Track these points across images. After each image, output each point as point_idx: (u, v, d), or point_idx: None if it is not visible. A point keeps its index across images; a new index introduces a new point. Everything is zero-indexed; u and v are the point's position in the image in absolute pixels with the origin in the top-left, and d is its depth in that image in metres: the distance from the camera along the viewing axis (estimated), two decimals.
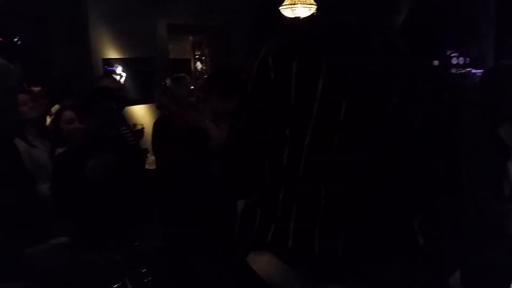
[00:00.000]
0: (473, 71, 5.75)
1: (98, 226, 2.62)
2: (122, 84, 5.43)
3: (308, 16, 5.50)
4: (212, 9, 6.37)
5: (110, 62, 5.59)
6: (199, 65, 9.01)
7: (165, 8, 5.98)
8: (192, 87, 5.26)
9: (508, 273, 2.60)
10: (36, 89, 3.74)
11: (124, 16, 5.56)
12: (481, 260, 2.59)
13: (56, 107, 3.72)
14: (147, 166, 4.03)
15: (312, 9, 5.60)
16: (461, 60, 5.97)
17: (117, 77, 5.53)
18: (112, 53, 5.62)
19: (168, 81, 4.42)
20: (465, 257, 2.77)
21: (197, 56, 8.98)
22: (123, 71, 5.71)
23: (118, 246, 2.71)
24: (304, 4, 5.58)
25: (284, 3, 5.58)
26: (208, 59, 8.48)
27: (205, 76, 6.25)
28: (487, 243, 2.54)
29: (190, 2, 6.20)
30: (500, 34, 6.60)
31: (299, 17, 5.51)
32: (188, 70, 8.34)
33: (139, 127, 4.12)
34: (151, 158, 4.29)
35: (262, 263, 1.18)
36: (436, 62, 6.00)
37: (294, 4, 5.58)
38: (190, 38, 8.66)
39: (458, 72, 5.84)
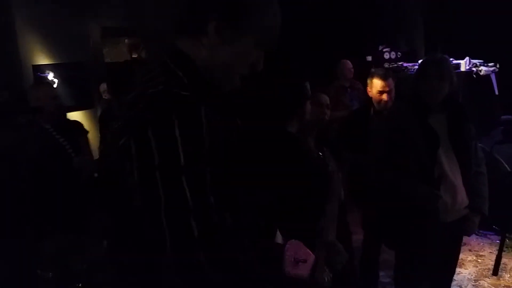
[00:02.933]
0: (405, 64, 5.95)
1: None
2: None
3: None
4: (145, 12, 6.28)
5: (41, 69, 5.40)
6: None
7: (98, 12, 5.84)
8: None
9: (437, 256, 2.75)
10: None
11: (54, 21, 5.38)
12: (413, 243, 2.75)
13: None
14: None
15: None
16: (393, 55, 6.17)
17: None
18: (43, 59, 5.43)
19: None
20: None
21: (134, 58, 8.82)
22: (54, 77, 5.53)
23: None
24: None
25: None
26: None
27: None
28: (414, 226, 2.69)
29: (123, 5, 6.09)
30: (428, 29, 6.89)
31: None
32: (126, 73, 8.18)
33: None
34: None
35: None
36: (369, 58, 6.18)
37: None
38: (126, 40, 8.51)
39: (391, 66, 6.03)
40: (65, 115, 4.50)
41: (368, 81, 3.74)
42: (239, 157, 1.28)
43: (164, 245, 1.08)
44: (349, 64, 5.56)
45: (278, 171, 1.88)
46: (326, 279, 1.91)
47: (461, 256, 4.41)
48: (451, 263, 2.93)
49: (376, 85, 3.67)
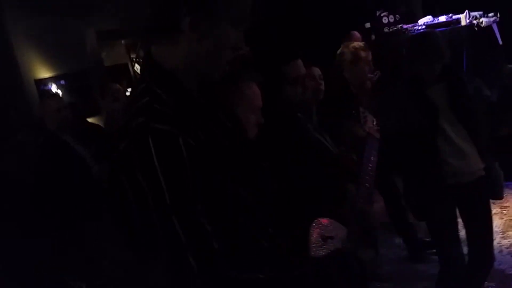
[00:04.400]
0: (405, 26, 5.88)
1: None
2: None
3: None
4: (139, 11, 6.23)
5: (44, 82, 5.41)
6: (138, 67, 8.84)
7: (91, 17, 5.81)
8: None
9: None
10: None
11: (49, 32, 5.36)
12: None
13: None
14: None
15: None
16: (391, 18, 6.08)
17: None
18: (44, 73, 5.43)
19: None
20: None
21: (134, 59, 8.81)
22: (58, 88, 5.54)
23: None
24: None
25: None
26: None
27: None
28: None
29: (116, 6, 6.06)
30: None
31: None
32: (127, 74, 8.18)
33: None
34: None
35: None
36: (368, 25, 6.10)
37: None
38: (122, 42, 8.49)
39: (391, 30, 5.96)
40: (85, 121, 4.52)
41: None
42: (237, 157, 1.28)
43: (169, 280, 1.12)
44: (357, 34, 5.51)
45: (279, 164, 1.86)
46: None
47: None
48: (485, 225, 2.92)
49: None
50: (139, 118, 1.13)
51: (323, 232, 1.37)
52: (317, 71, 3.09)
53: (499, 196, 2.96)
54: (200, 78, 1.27)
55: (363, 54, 3.54)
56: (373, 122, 2.32)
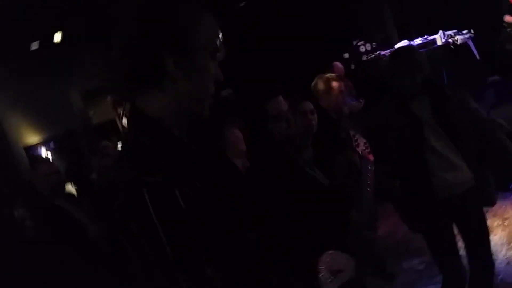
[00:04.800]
0: (382, 53, 5.99)
1: None
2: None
3: None
4: (122, 65, 6.30)
5: (33, 148, 5.42)
6: (125, 121, 8.88)
7: (74, 77, 5.88)
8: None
9: None
10: None
11: (34, 98, 5.41)
12: None
13: None
14: None
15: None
16: (368, 47, 6.21)
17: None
18: (32, 138, 5.45)
19: None
20: None
21: (121, 113, 8.85)
22: (48, 153, 5.55)
23: None
24: None
25: None
26: None
27: None
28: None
29: (98, 64, 6.13)
30: (397, 12, 6.94)
31: None
32: (116, 130, 8.21)
33: None
34: None
35: None
36: (346, 55, 6.22)
37: None
38: (108, 98, 8.55)
39: (369, 57, 6.07)
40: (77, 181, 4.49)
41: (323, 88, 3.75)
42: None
43: None
44: (339, 65, 5.61)
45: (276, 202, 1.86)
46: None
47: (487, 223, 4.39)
48: (482, 233, 2.91)
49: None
50: (131, 173, 1.11)
51: (332, 266, 1.35)
52: (308, 105, 3.09)
53: (491, 203, 2.95)
54: (189, 120, 1.26)
55: (334, 83, 3.69)
56: (365, 144, 2.32)
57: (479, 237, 2.89)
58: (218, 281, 1.07)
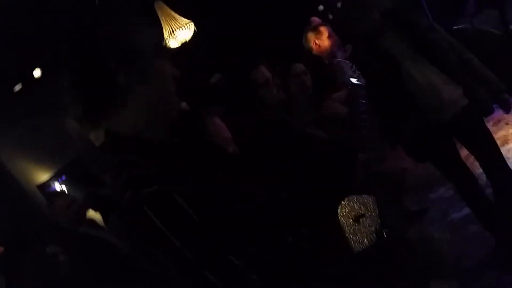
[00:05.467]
0: None
1: None
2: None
3: None
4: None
5: (46, 185, 5.45)
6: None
7: (64, 105, 5.88)
8: None
9: None
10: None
11: (31, 136, 5.42)
12: None
13: None
14: None
15: (191, 25, 5.62)
16: None
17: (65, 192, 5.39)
18: (43, 175, 5.48)
19: None
20: None
21: None
22: (61, 185, 5.58)
23: None
24: (181, 26, 5.59)
25: (164, 38, 5.57)
26: None
27: None
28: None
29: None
30: None
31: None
32: None
33: None
34: None
35: None
36: (321, 7, 6.14)
37: (173, 32, 5.59)
38: None
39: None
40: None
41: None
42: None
43: None
44: (316, 19, 5.52)
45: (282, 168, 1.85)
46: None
47: (503, 133, 4.36)
48: (489, 146, 2.91)
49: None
50: (127, 192, 1.12)
51: (352, 213, 1.34)
52: (298, 67, 3.10)
53: (488, 112, 2.93)
54: (165, 122, 1.26)
55: (322, 28, 3.78)
56: (352, 69, 2.27)
57: (488, 151, 2.89)
58: (244, 267, 1.08)
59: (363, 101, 2.11)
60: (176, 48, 5.58)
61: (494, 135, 3.46)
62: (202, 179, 1.17)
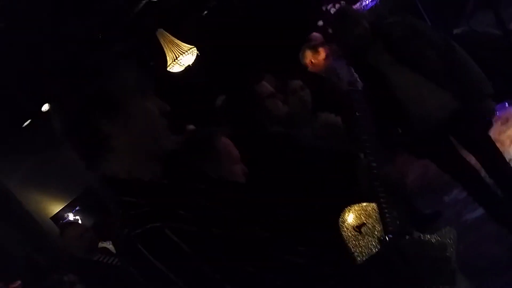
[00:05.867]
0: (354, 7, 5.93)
1: None
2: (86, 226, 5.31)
3: None
4: None
5: (59, 216, 5.48)
6: None
7: None
8: None
9: None
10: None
11: (41, 169, 5.47)
12: None
13: None
14: None
15: (194, 50, 5.70)
16: (337, 6, 6.16)
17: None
18: (55, 207, 5.52)
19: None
20: None
21: None
22: (75, 215, 5.61)
23: None
24: (184, 52, 5.67)
25: (168, 64, 5.66)
26: None
27: None
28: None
29: None
30: None
31: None
32: None
33: None
34: None
35: None
36: (320, 22, 6.20)
37: (176, 58, 5.67)
38: None
39: None
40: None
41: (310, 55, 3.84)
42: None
43: None
44: (316, 34, 5.56)
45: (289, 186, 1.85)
46: None
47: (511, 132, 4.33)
48: (488, 147, 2.90)
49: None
50: (124, 231, 1.16)
51: (354, 223, 1.33)
52: (296, 83, 3.11)
53: (489, 113, 2.92)
54: (157, 157, 1.28)
55: (320, 49, 3.81)
56: (351, 73, 2.27)
57: (487, 154, 2.88)
58: None
59: (362, 105, 2.11)
60: (178, 72, 5.66)
61: (502, 134, 3.45)
62: (195, 212, 1.19)
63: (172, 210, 1.17)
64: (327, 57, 3.79)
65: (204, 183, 1.36)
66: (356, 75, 2.18)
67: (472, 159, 3.05)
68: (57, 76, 1.34)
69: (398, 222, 1.44)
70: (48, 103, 1.32)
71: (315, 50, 3.83)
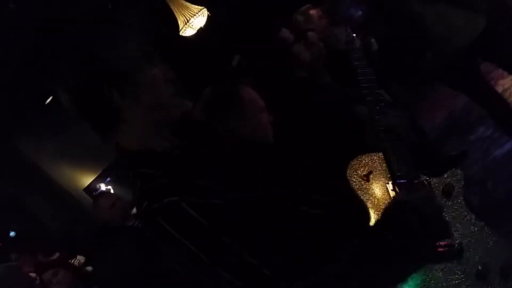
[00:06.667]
0: None
1: None
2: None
3: None
4: None
5: (92, 187, 5.62)
6: None
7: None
8: None
9: None
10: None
11: (72, 143, 5.57)
12: None
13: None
14: None
15: (204, 11, 5.62)
16: None
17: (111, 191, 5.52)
18: (87, 178, 5.65)
19: None
20: None
21: None
22: (107, 185, 5.73)
23: None
24: (195, 14, 5.60)
25: (180, 28, 5.60)
26: None
27: None
28: None
29: None
30: None
31: None
32: None
33: None
34: None
35: None
36: None
37: (188, 21, 5.60)
38: None
39: None
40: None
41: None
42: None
43: None
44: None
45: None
46: None
47: None
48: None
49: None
50: (142, 205, 1.17)
51: (360, 171, 1.33)
52: (312, 35, 3.07)
53: None
54: (171, 125, 1.28)
55: (312, 11, 3.66)
56: (348, 34, 2.23)
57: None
58: (255, 261, 1.11)
59: (362, 62, 2.07)
60: (192, 36, 5.60)
61: None
62: (213, 179, 1.19)
63: (189, 180, 1.17)
64: (320, 18, 3.63)
65: (221, 147, 1.37)
66: (352, 34, 2.14)
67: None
68: (63, 52, 1.32)
69: (405, 168, 1.43)
70: (54, 83, 1.32)
71: (306, 15, 3.64)
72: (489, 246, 1.39)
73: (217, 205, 1.14)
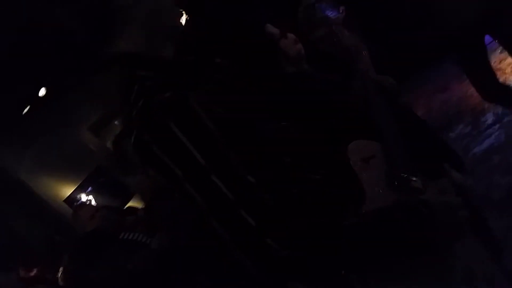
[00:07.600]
0: None
1: None
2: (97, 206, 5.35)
3: None
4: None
5: (72, 198, 5.53)
6: None
7: (75, 116, 5.90)
8: None
9: None
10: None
11: (48, 151, 5.49)
12: None
13: None
14: None
15: None
16: None
17: (91, 202, 5.46)
18: (67, 189, 5.57)
19: None
20: None
21: None
22: (87, 195, 5.66)
23: None
24: None
25: None
26: None
27: None
28: None
29: (90, 96, 6.15)
30: None
31: None
32: None
33: None
34: None
35: None
36: None
37: None
38: (116, 122, 8.63)
39: None
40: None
41: None
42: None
43: (228, 245, 1.03)
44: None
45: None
46: None
47: None
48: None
49: None
50: (138, 103, 1.06)
51: (361, 154, 1.30)
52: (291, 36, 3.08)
53: None
54: (170, 36, 1.22)
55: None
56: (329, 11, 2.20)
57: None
58: (253, 179, 1.02)
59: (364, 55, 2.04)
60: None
61: (502, 62, 3.34)
62: (219, 89, 1.12)
63: (194, 82, 1.08)
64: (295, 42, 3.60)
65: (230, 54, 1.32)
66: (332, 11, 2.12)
67: None
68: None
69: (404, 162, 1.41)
70: None
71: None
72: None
73: (228, 113, 1.04)
